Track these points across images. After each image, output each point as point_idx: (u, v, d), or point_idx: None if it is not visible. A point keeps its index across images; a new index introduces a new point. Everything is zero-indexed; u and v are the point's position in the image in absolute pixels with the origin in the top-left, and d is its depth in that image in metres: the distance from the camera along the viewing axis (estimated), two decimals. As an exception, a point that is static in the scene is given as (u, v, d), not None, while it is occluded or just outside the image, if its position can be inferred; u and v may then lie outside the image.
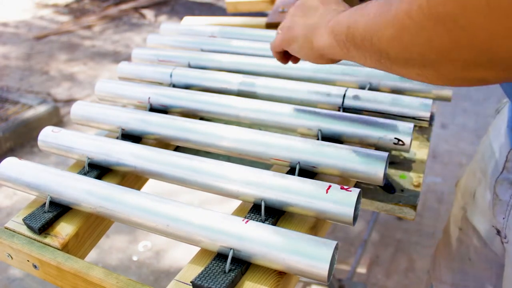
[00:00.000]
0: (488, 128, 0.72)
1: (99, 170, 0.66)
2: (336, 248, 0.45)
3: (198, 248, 0.52)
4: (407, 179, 0.68)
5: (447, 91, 0.74)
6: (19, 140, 2.40)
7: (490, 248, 0.69)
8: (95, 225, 0.62)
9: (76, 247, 0.59)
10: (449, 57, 0.33)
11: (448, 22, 0.31)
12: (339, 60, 0.55)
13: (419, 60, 0.36)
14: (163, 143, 0.71)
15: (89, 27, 4.08)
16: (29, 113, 2.49)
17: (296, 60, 0.64)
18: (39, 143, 0.69)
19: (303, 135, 0.66)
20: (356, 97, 0.70)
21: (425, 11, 0.33)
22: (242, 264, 0.48)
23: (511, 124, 0.58)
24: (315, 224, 0.54)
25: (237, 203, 0.59)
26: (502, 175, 0.60)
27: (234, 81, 0.77)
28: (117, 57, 3.45)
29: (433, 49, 0.34)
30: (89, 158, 0.65)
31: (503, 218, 0.59)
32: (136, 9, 4.48)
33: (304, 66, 0.80)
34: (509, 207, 0.58)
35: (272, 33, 0.96)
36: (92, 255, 1.68)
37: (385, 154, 0.56)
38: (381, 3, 0.41)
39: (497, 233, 0.63)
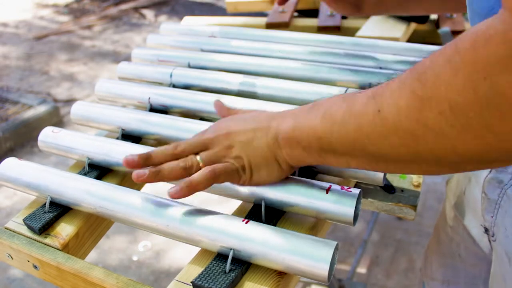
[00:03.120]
0: None
1: (99, 170, 0.66)
2: (336, 248, 0.45)
3: (198, 248, 0.52)
4: (407, 179, 0.68)
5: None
6: (19, 140, 2.40)
7: (479, 245, 0.70)
8: (95, 225, 0.62)
9: (76, 247, 0.59)
10: (476, 158, 0.32)
11: (481, 130, 0.30)
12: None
13: (433, 162, 0.35)
14: (163, 143, 0.71)
15: (89, 27, 4.08)
16: (29, 113, 2.49)
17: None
18: (39, 143, 0.69)
19: (303, 135, 0.66)
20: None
21: (449, 119, 0.31)
22: (243, 264, 0.48)
23: None
24: (315, 224, 0.54)
25: (237, 203, 0.58)
26: (491, 174, 0.60)
27: (234, 81, 0.77)
28: (117, 57, 3.45)
29: (457, 154, 0.33)
30: (89, 158, 0.65)
31: (491, 217, 0.60)
32: (136, 9, 4.48)
33: (304, 67, 0.80)
34: (497, 205, 0.59)
35: (272, 33, 0.96)
36: (92, 255, 1.68)
37: (385, 154, 0.56)
38: (358, 109, 0.39)
39: (485, 232, 0.64)
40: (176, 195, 0.48)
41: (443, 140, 0.32)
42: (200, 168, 0.49)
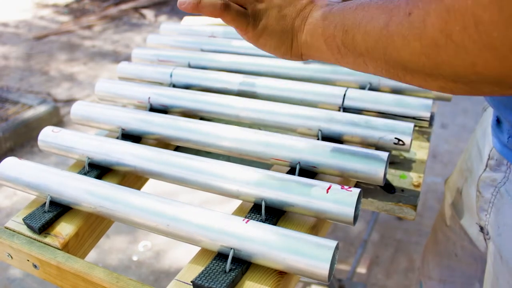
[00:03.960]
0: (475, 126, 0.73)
1: (99, 170, 0.66)
2: (336, 248, 0.45)
3: (199, 248, 0.52)
4: (407, 179, 0.68)
5: (447, 91, 0.74)
6: (19, 140, 2.39)
7: (475, 244, 0.70)
8: (95, 225, 0.62)
9: (76, 247, 0.59)
10: (495, 79, 0.31)
11: (504, 50, 0.29)
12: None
13: (451, 77, 0.33)
14: (163, 143, 0.71)
15: (89, 27, 4.08)
16: (29, 113, 2.49)
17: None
18: (39, 143, 0.69)
19: (303, 135, 0.66)
20: (356, 97, 0.70)
21: (472, 35, 0.30)
22: (243, 264, 0.48)
23: (494, 122, 0.58)
24: (316, 224, 0.54)
25: (237, 203, 0.58)
26: (485, 173, 0.61)
27: (234, 81, 0.77)
28: (117, 57, 3.45)
29: (475, 72, 0.31)
30: (89, 158, 0.65)
31: (486, 215, 0.60)
32: (136, 9, 4.48)
33: (304, 66, 0.80)
34: (491, 204, 0.59)
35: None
36: (92, 255, 1.68)
37: (385, 154, 0.56)
38: (391, 8, 0.37)
39: (480, 230, 0.64)
40: (180, 4, 0.47)
41: (464, 55, 0.31)
42: None
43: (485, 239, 0.64)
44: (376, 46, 0.38)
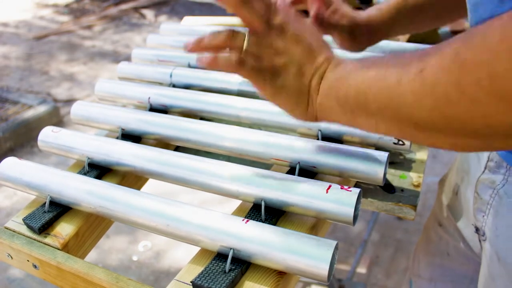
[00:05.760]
0: None
1: (99, 170, 0.66)
2: (336, 248, 0.45)
3: (198, 248, 0.52)
4: (407, 179, 0.68)
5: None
6: (19, 140, 2.40)
7: (469, 245, 0.70)
8: (95, 225, 0.62)
9: (76, 247, 0.59)
10: (507, 133, 0.30)
11: None
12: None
13: (462, 131, 0.33)
14: (163, 143, 0.71)
15: (89, 27, 4.08)
16: (29, 113, 2.49)
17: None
18: (39, 143, 0.69)
19: (303, 135, 0.66)
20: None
21: (485, 87, 0.29)
22: (242, 264, 0.48)
23: None
24: (315, 224, 0.54)
25: (237, 203, 0.59)
26: (484, 175, 0.61)
27: (234, 81, 0.77)
28: (117, 57, 3.45)
29: (488, 125, 0.31)
30: (89, 158, 0.65)
31: (483, 217, 0.60)
32: (136, 9, 4.48)
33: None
34: (489, 206, 0.59)
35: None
36: (92, 255, 1.68)
37: (385, 154, 0.56)
38: (404, 65, 0.37)
39: (476, 231, 0.64)
40: (199, 62, 0.48)
41: (476, 108, 0.30)
42: (240, 49, 0.46)
43: (479, 240, 0.64)
44: (388, 105, 0.38)
